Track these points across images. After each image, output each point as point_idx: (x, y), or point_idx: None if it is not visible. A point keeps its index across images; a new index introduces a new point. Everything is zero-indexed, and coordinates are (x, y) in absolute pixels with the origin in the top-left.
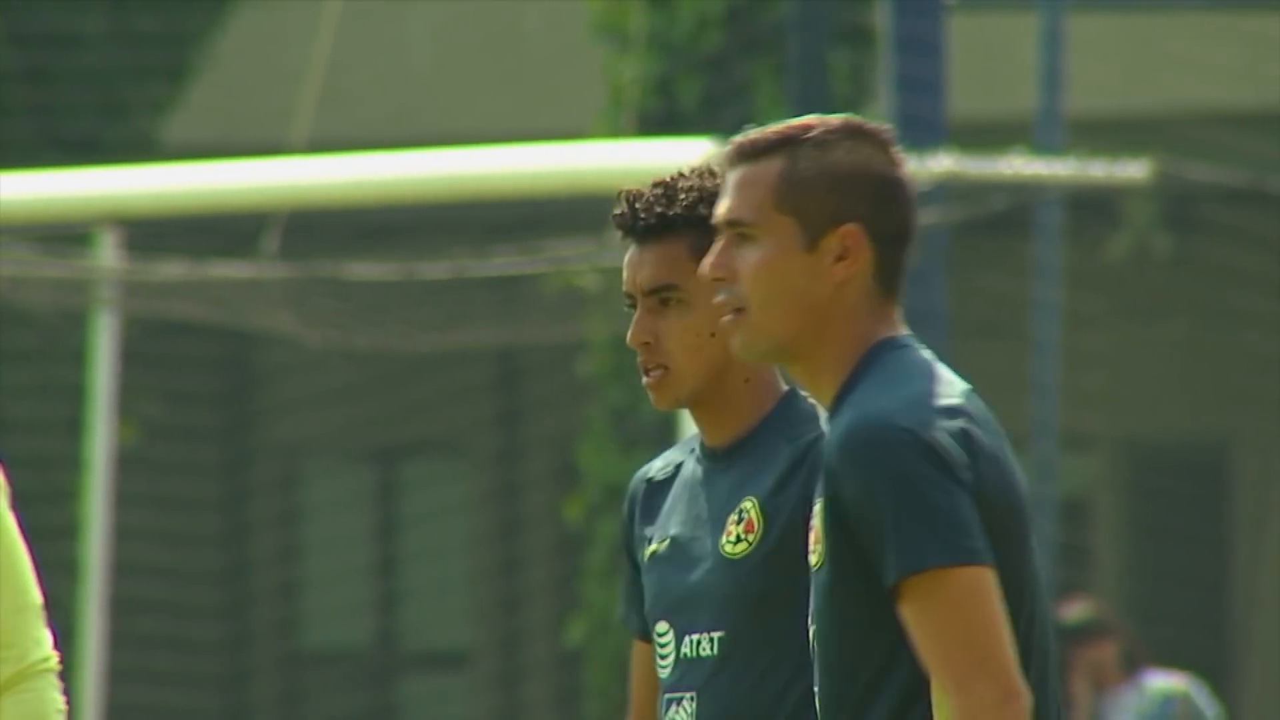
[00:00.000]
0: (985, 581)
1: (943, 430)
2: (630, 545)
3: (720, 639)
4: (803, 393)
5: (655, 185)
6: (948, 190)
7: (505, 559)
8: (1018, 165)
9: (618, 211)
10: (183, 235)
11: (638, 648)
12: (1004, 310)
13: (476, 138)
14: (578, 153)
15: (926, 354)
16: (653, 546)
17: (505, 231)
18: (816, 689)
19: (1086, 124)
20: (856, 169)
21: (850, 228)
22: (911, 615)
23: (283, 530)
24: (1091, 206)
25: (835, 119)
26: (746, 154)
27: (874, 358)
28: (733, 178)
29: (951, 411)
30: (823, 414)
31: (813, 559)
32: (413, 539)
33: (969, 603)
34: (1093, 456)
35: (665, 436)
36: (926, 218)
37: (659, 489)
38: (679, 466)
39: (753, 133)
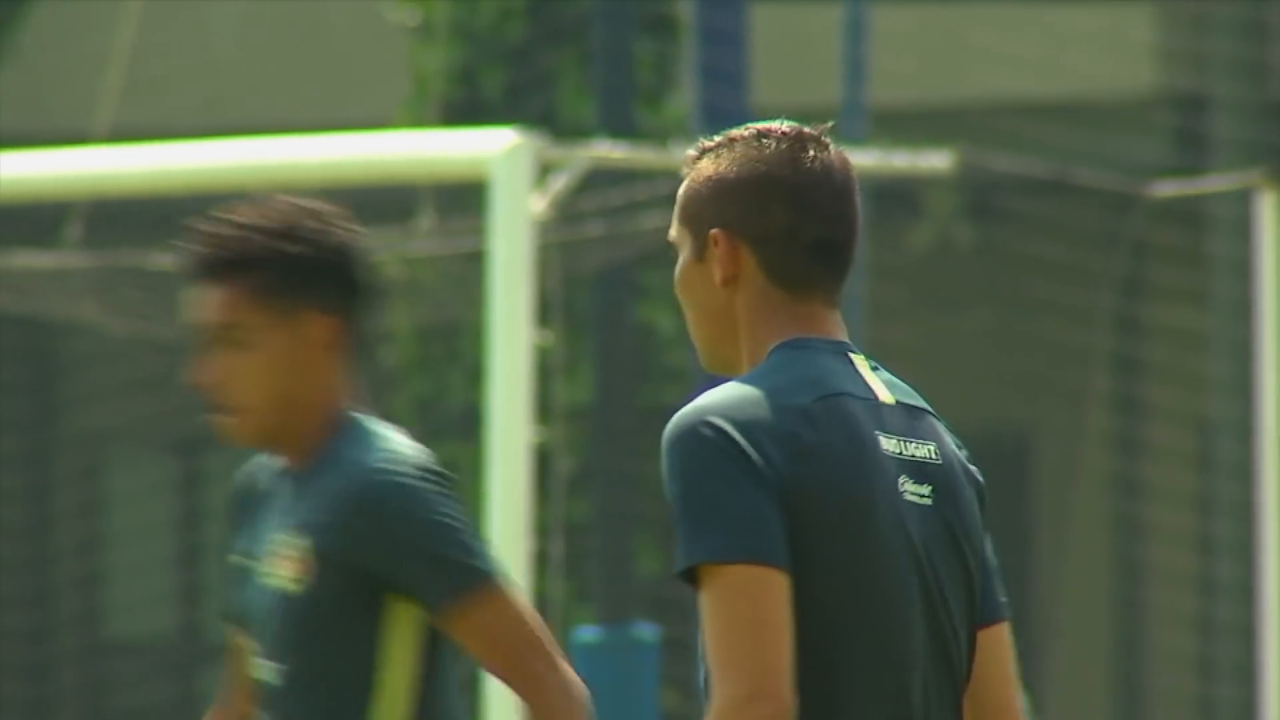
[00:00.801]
0: (758, 581)
1: (757, 425)
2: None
3: (282, 671)
4: (369, 425)
5: (224, 224)
6: None
7: None
8: None
9: (188, 247)
10: None
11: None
12: None
13: (281, 127)
14: (382, 142)
15: (815, 354)
16: (234, 556)
17: None
18: None
19: (889, 115)
20: (731, 172)
21: (715, 232)
22: (701, 608)
23: (86, 521)
24: (894, 197)
25: (754, 126)
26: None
27: (769, 357)
28: None
29: (780, 410)
30: (378, 449)
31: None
32: (216, 529)
33: (735, 600)
34: None
35: (469, 427)
36: None
37: (250, 493)
38: (267, 473)
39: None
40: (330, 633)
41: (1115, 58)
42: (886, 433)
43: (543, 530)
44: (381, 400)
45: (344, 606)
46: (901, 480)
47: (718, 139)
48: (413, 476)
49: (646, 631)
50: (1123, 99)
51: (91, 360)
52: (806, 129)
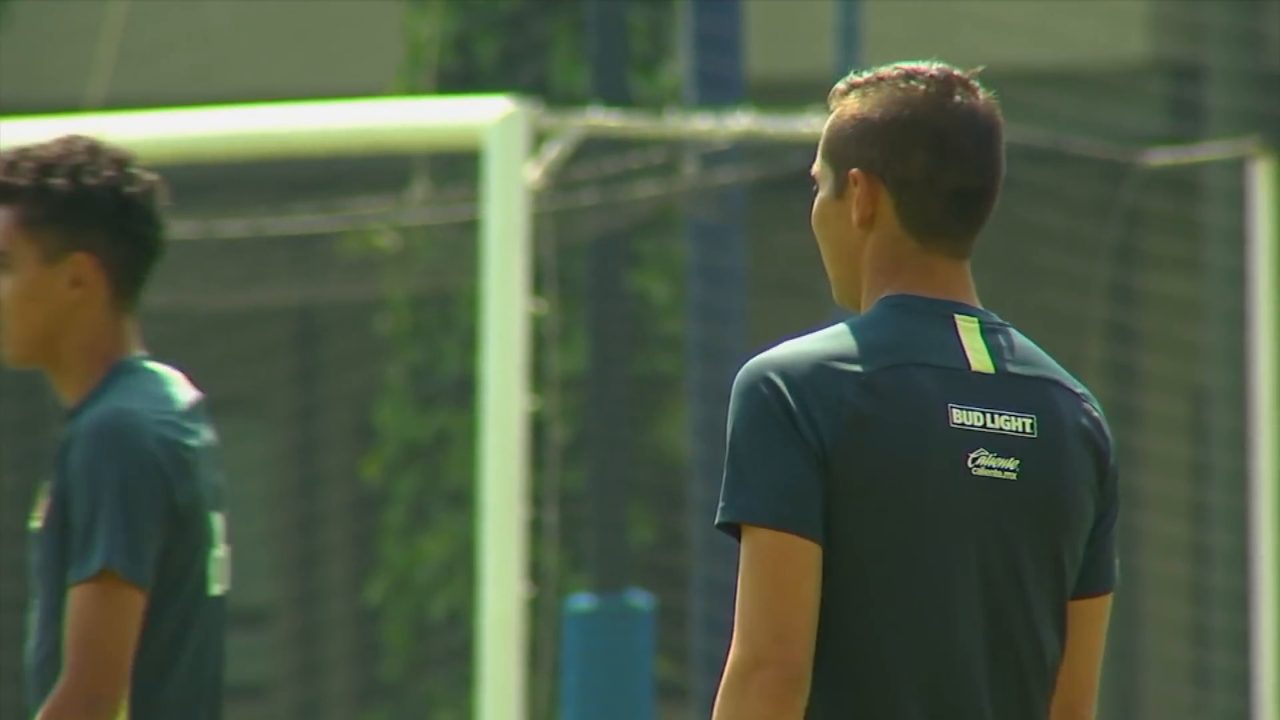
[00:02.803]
0: (786, 549)
1: (813, 391)
2: None
3: (34, 609)
4: (136, 364)
5: (10, 153)
6: (746, 149)
7: (303, 517)
8: (816, 124)
9: None
10: None
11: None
12: (802, 269)
13: (274, 95)
14: (376, 111)
15: (910, 316)
16: None
17: (304, 190)
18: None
19: None
20: (876, 113)
21: (855, 173)
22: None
23: None
24: None
25: (904, 66)
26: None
27: (868, 313)
28: None
29: (839, 375)
30: (118, 391)
31: None
32: None
33: (759, 565)
34: None
35: (464, 395)
36: (724, 176)
37: None
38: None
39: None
40: (48, 566)
41: (1110, 25)
42: (965, 404)
43: (537, 498)
44: (376, 368)
45: (52, 543)
46: (975, 454)
47: (867, 76)
48: (132, 432)
49: (641, 600)
50: (1117, 67)
51: None
52: (956, 72)
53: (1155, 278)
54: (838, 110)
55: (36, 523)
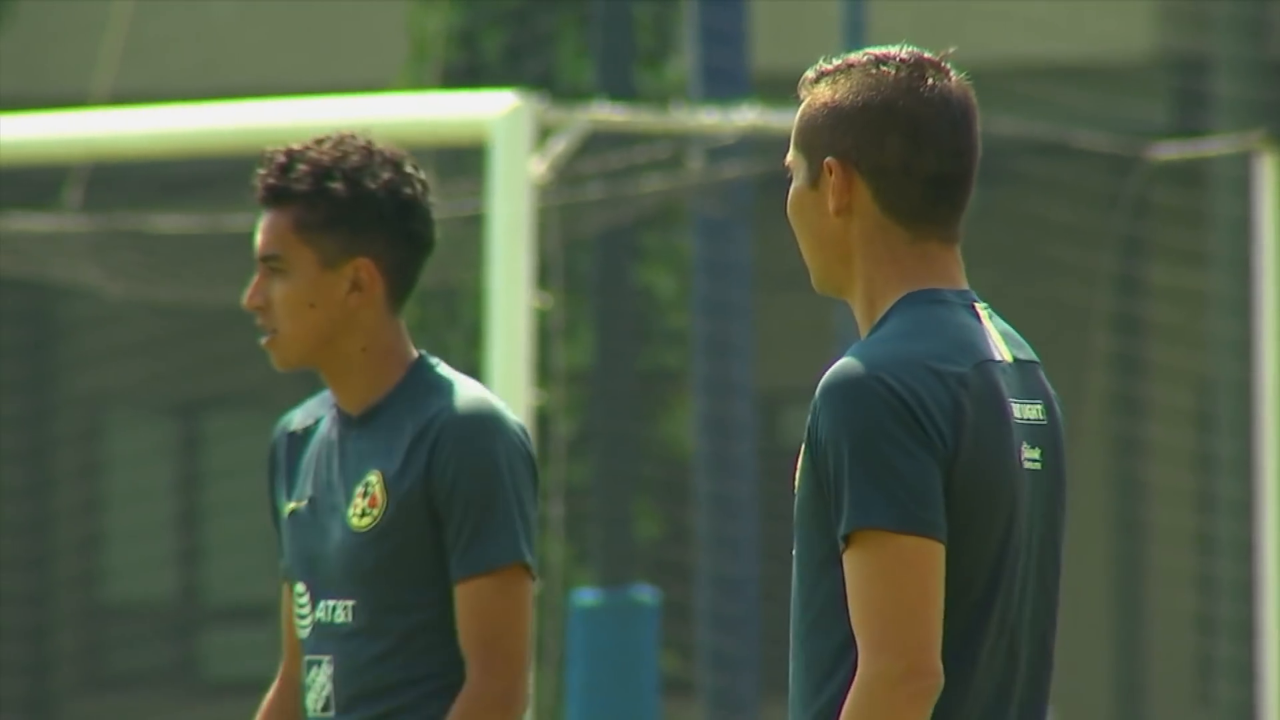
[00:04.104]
0: (925, 555)
1: (928, 393)
2: (274, 497)
3: (352, 608)
4: (433, 361)
5: (282, 154)
6: (751, 144)
7: None
8: None
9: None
10: None
11: (288, 592)
12: None
13: (279, 89)
14: (381, 105)
15: (952, 311)
16: (292, 504)
17: None
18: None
19: None
20: (848, 100)
21: (830, 161)
22: (848, 570)
23: (85, 483)
24: None
25: (873, 51)
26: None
27: (902, 307)
28: None
29: (944, 379)
30: (456, 384)
31: (797, 487)
32: (215, 492)
33: (900, 572)
34: None
35: None
36: (730, 171)
37: (299, 442)
38: (319, 421)
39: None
40: (401, 564)
41: (1116, 18)
42: (1013, 398)
43: (543, 493)
44: None
45: (409, 540)
46: (1022, 448)
47: (836, 63)
48: (505, 431)
49: (646, 594)
50: (1124, 60)
51: (90, 323)
52: (926, 55)
53: (1161, 269)
54: (808, 99)
55: (360, 520)
